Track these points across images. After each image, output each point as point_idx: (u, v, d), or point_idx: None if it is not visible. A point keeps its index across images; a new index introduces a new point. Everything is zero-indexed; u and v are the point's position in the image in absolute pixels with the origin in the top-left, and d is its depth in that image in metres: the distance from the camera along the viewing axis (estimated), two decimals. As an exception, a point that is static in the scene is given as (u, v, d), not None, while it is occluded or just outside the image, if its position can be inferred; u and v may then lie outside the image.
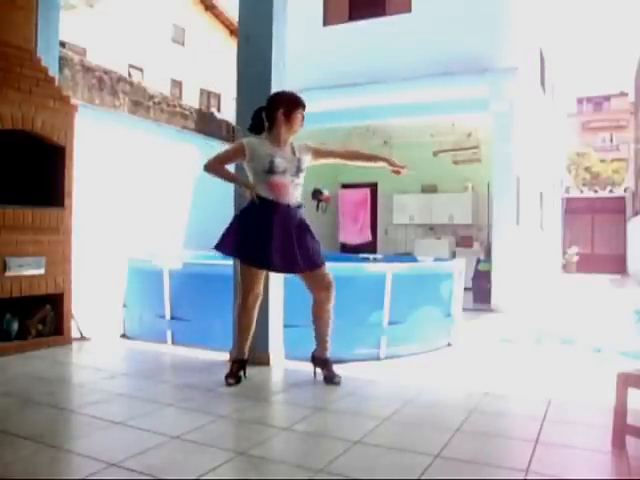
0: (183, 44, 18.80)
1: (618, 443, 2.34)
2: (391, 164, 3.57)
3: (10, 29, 4.28)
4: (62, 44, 6.53)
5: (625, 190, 19.93)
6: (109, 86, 7.86)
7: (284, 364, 3.85)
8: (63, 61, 6.67)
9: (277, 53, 3.91)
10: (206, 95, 19.50)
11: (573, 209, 19.19)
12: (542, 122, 12.07)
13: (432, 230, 11.46)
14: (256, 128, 3.42)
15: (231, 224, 3.37)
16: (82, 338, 4.58)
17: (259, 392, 3.28)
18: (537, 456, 2.26)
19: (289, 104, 3.36)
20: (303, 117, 3.43)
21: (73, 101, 4.69)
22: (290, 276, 3.65)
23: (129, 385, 3.42)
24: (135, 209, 8.05)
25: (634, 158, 21.31)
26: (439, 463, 2.18)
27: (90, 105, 7.40)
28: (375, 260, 6.53)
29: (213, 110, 12.95)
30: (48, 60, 4.58)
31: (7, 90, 4.00)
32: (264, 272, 3.40)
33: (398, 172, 3.57)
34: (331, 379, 3.37)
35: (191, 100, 16.01)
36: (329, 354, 3.45)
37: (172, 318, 4.69)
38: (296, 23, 5.33)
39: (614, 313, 7.64)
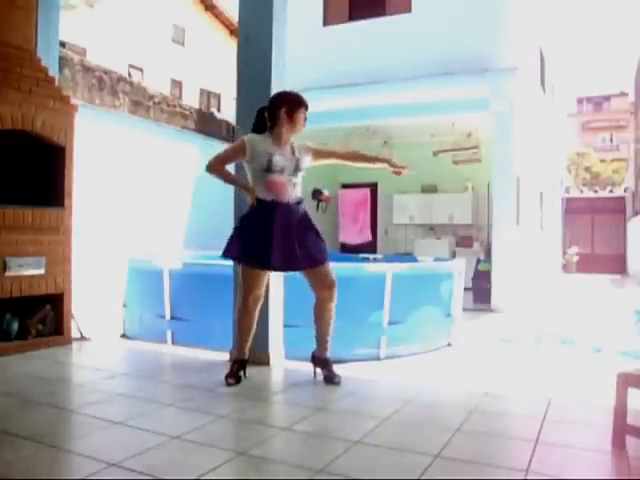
0: (183, 44, 18.81)
1: (618, 443, 2.34)
2: (392, 165, 3.56)
3: (10, 29, 4.28)
4: (62, 44, 6.53)
5: (625, 190, 19.94)
6: (109, 86, 7.85)
7: (284, 364, 3.85)
8: (63, 61, 6.67)
9: (277, 53, 3.91)
10: (206, 95, 19.51)
11: (573, 209, 19.20)
12: (542, 122, 12.07)
13: (432, 230, 11.46)
14: (259, 127, 3.42)
15: (234, 231, 3.39)
16: (82, 338, 4.58)
17: (259, 392, 3.28)
18: (537, 456, 2.26)
19: (292, 104, 3.36)
20: (306, 117, 3.43)
21: (73, 101, 4.69)
22: (290, 276, 3.64)
23: (129, 385, 3.42)
24: (135, 209, 8.05)
25: (634, 158, 21.32)
26: (439, 463, 2.18)
27: (90, 105, 7.40)
28: (375, 260, 6.53)
29: (213, 110, 12.94)
30: (48, 60, 4.59)
31: (7, 90, 4.00)
32: (266, 274, 3.39)
33: (399, 173, 3.57)
34: (331, 379, 3.37)
35: (191, 100, 16.02)
36: (329, 354, 3.45)
37: (172, 318, 4.69)
38: (296, 23, 5.32)
39: (614, 313, 7.64)
